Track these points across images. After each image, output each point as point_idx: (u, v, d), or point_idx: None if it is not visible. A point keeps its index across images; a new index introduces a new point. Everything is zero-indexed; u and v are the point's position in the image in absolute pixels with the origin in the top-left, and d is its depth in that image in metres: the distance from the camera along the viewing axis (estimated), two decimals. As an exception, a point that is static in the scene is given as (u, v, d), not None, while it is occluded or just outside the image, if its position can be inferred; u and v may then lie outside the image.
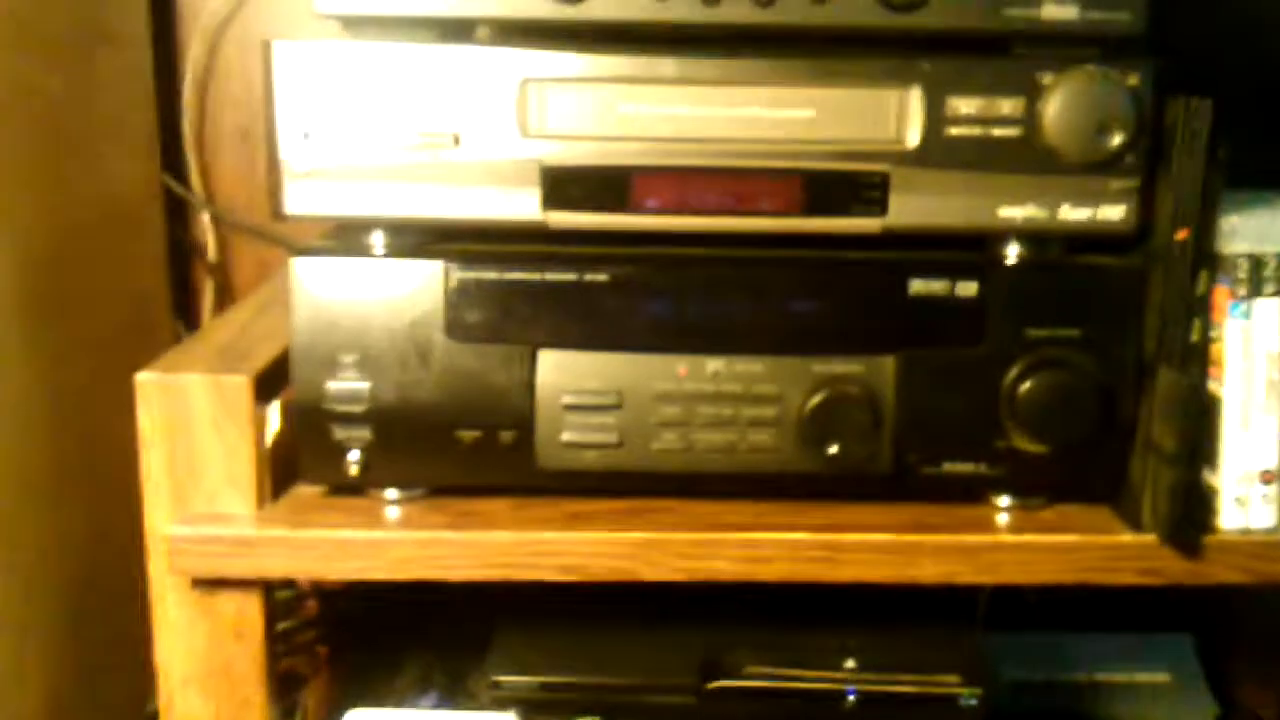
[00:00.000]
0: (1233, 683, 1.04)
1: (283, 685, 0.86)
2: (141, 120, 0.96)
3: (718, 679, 0.75)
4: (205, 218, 1.02)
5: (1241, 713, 1.01)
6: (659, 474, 0.68)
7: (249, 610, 0.68)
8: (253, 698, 0.69)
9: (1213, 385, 0.68)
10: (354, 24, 0.64)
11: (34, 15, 0.79)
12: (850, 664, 0.75)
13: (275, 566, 0.67)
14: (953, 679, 0.75)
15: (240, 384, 0.65)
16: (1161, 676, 1.03)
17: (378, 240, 0.66)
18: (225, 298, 1.04)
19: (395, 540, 0.66)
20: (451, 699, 0.91)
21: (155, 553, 0.67)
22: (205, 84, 1.01)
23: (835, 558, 0.67)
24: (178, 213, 1.02)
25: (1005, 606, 0.99)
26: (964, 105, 0.64)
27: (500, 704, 0.75)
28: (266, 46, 0.63)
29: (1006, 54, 0.65)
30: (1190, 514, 0.67)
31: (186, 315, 1.03)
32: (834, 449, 0.67)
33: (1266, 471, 0.69)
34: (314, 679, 0.94)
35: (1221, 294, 0.67)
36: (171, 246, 1.01)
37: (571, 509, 0.68)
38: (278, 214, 0.65)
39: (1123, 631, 1.06)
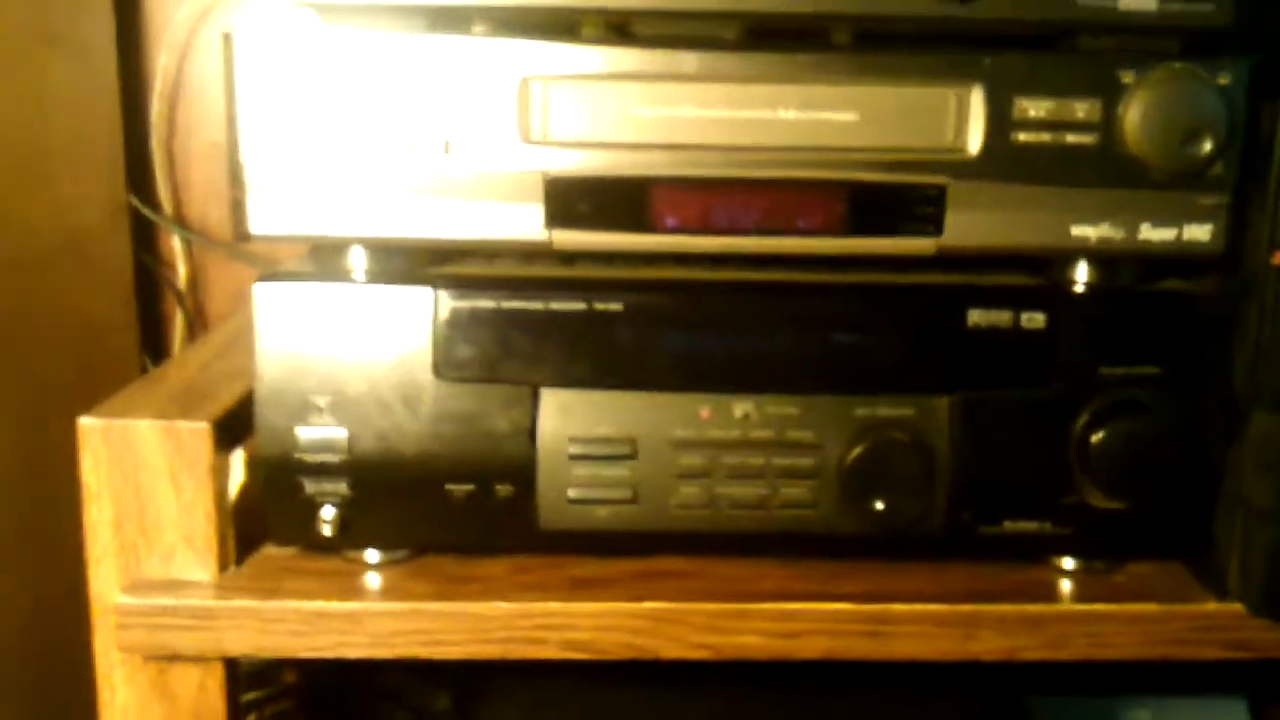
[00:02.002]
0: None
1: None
2: (104, 136, 0.91)
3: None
4: (175, 241, 0.97)
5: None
6: (678, 534, 0.61)
7: (210, 689, 0.62)
8: (215, 787, 0.62)
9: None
10: (332, 11, 0.57)
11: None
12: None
13: (239, 642, 0.60)
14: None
15: (199, 430, 0.59)
16: (1216, 744, 0.98)
17: (358, 263, 0.60)
18: (198, 330, 0.99)
19: (376, 612, 0.60)
20: (442, 775, 0.84)
21: (101, 625, 0.61)
22: (175, 97, 0.96)
23: (882, 631, 0.61)
24: (145, 236, 0.97)
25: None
26: (1033, 108, 0.57)
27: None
28: (227, 39, 0.56)
29: (1077, 50, 0.59)
30: (1287, 578, 0.61)
31: (156, 352, 0.98)
32: (880, 505, 0.60)
33: (1370, 528, 0.61)
34: (290, 755, 0.87)
35: (1323, 325, 0.60)
36: (139, 273, 0.96)
37: (578, 574, 0.63)
38: (242, 233, 0.59)
39: (1174, 694, 1.01)
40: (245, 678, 0.81)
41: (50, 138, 0.83)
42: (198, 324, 0.98)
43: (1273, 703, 1.00)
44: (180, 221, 0.97)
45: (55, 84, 0.83)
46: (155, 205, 0.96)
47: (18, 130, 0.79)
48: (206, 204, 0.97)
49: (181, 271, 0.97)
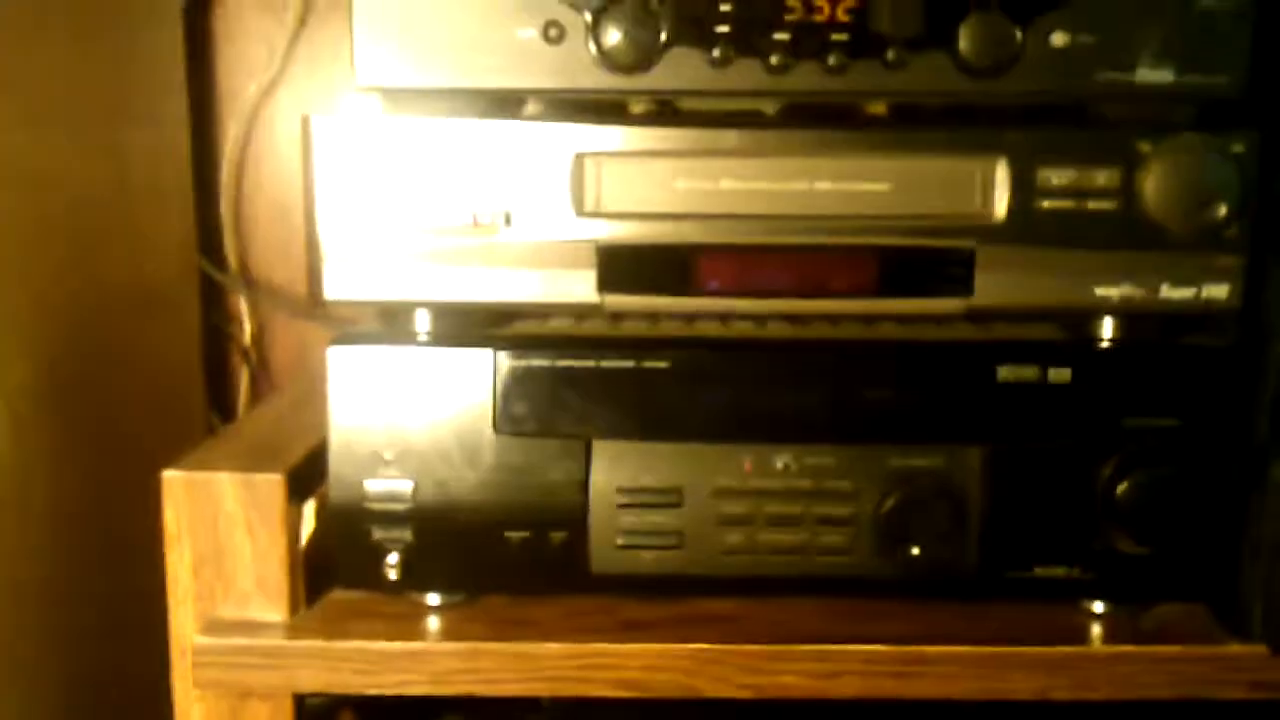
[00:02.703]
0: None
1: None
2: (178, 202, 0.94)
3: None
4: (242, 301, 1.00)
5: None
6: (722, 579, 0.63)
7: None
8: (284, 819, 0.64)
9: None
10: (397, 98, 0.60)
11: (63, 95, 0.77)
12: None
13: (309, 680, 0.62)
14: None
15: (274, 482, 0.62)
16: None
17: (422, 325, 0.63)
18: (263, 385, 1.01)
19: (438, 652, 0.62)
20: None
21: (180, 664, 0.63)
22: (243, 165, 0.99)
23: (915, 672, 0.62)
24: (213, 297, 1.00)
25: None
26: (1055, 176, 0.59)
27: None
28: (305, 122, 0.59)
29: (1098, 122, 0.61)
30: (1309, 622, 0.62)
31: (222, 404, 1.01)
32: (913, 551, 0.62)
33: (1389, 573, 0.63)
34: (350, 791, 0.89)
35: (1338, 378, 0.62)
36: (207, 333, 0.98)
37: (627, 616, 0.64)
38: (318, 299, 0.61)
39: None
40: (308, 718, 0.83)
41: (129, 203, 0.86)
42: (261, 380, 1.01)
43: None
44: (247, 281, 1.00)
45: (134, 154, 0.86)
46: (223, 266, 0.99)
47: (99, 195, 0.82)
48: (272, 264, 1.00)
49: (247, 329, 1.00)
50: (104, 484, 0.81)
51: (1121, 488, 0.61)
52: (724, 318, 0.67)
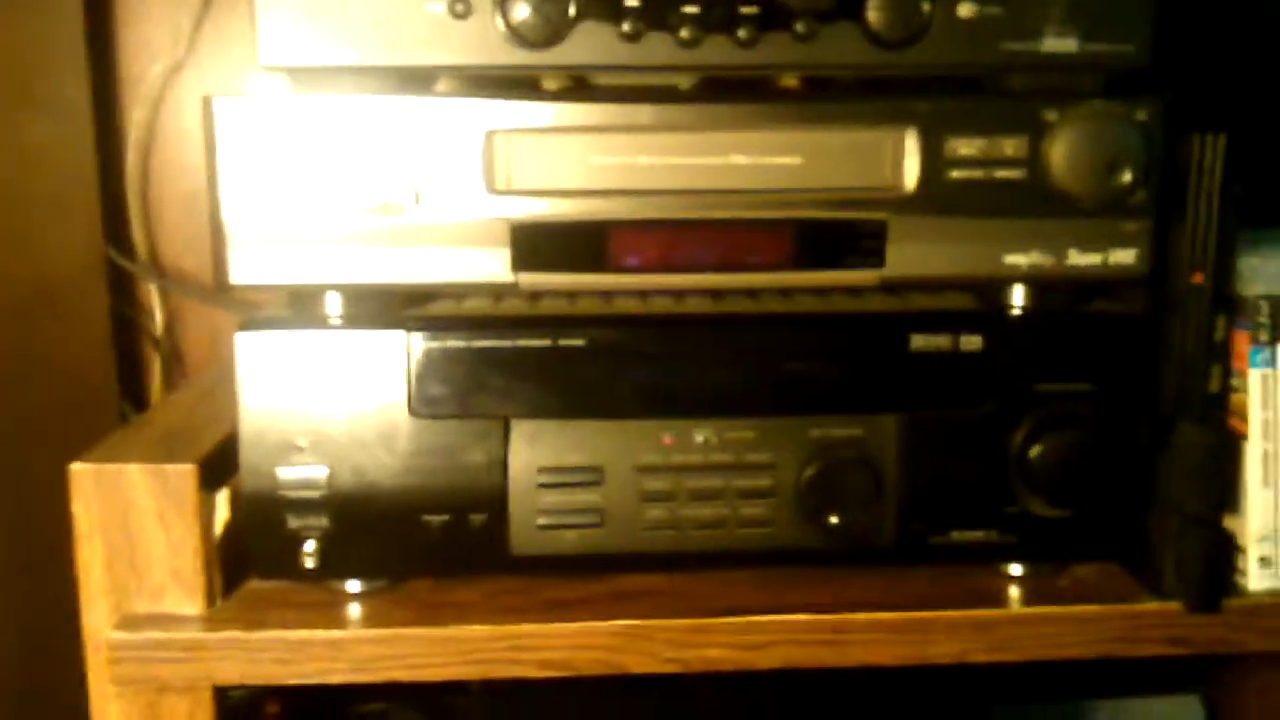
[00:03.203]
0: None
1: (242, 791, 0.80)
2: (82, 190, 0.92)
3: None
4: (152, 289, 0.98)
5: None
6: (645, 555, 0.63)
7: (200, 718, 0.63)
8: (206, 814, 0.63)
9: (1236, 438, 0.65)
10: (304, 77, 0.59)
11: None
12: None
13: (228, 672, 0.62)
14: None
15: (185, 472, 0.61)
16: (1175, 744, 1.00)
17: (333, 309, 0.62)
18: (175, 374, 0.99)
19: (358, 639, 0.62)
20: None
21: (94, 659, 0.62)
22: (149, 150, 0.97)
23: (840, 640, 0.63)
24: (122, 286, 0.98)
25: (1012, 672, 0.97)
26: (964, 146, 0.60)
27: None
28: (207, 103, 0.58)
29: (1006, 92, 0.62)
30: (1218, 577, 0.63)
31: (135, 395, 0.99)
32: (834, 520, 0.63)
33: (1294, 528, 0.65)
34: (277, 783, 0.88)
35: (1241, 339, 0.64)
36: (117, 322, 0.96)
37: (551, 595, 0.64)
38: (224, 284, 0.60)
39: (1130, 695, 1.03)
40: (230, 712, 0.82)
41: (29, 191, 0.83)
42: (174, 368, 0.99)
43: (1225, 697, 1.03)
44: (156, 269, 0.98)
45: (33, 140, 0.84)
46: (131, 254, 0.96)
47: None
48: (182, 252, 0.98)
49: (158, 318, 0.98)
50: (16, 479, 0.79)
51: (1035, 452, 0.62)
52: (642, 294, 0.67)
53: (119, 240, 0.96)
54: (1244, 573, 0.65)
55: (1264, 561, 0.65)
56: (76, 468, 0.61)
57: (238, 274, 0.60)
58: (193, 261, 0.98)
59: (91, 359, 0.93)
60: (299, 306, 0.63)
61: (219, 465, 0.63)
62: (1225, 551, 0.65)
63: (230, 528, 0.64)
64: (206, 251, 0.96)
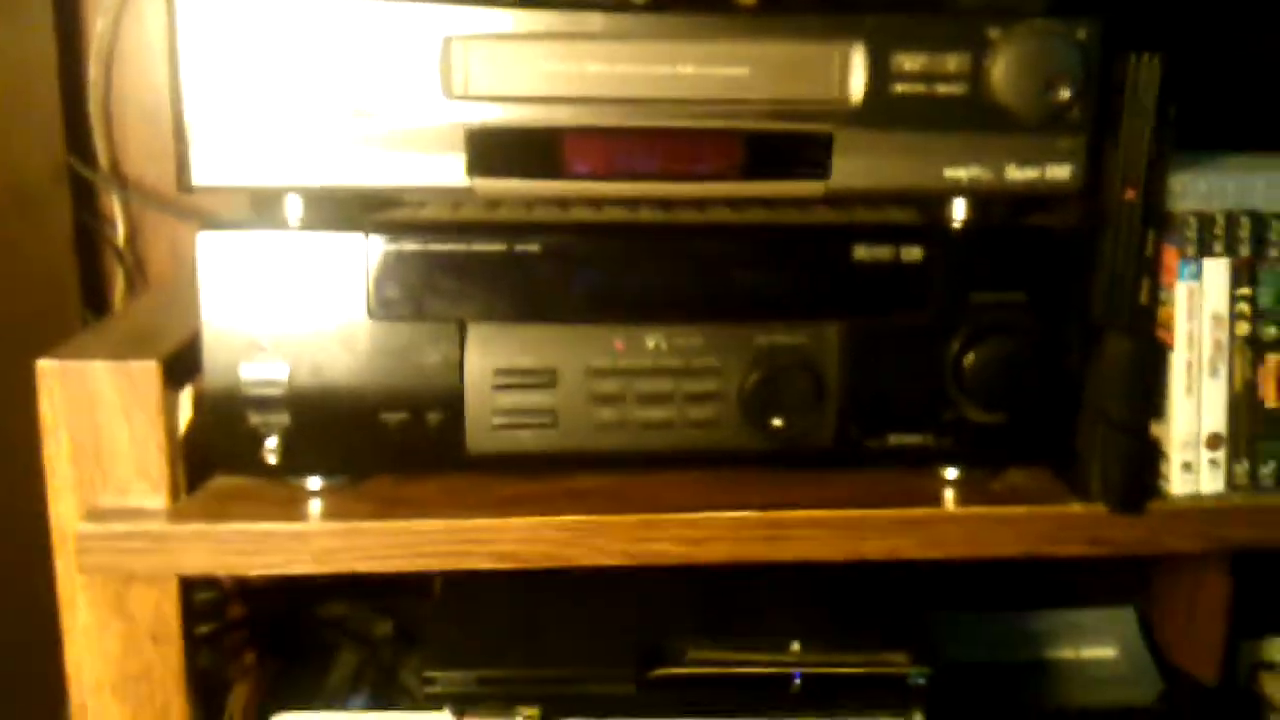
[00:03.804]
0: (1171, 650, 1.03)
1: (207, 690, 0.82)
2: (43, 98, 0.92)
3: (659, 666, 0.73)
4: (115, 200, 0.98)
5: (1185, 683, 1.01)
6: (596, 453, 0.65)
7: (166, 610, 0.65)
8: (172, 703, 0.65)
9: (1162, 348, 0.67)
10: None
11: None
12: (795, 646, 0.74)
13: (192, 562, 0.63)
14: (900, 658, 0.74)
15: (149, 369, 0.62)
16: (1108, 652, 1.04)
17: (294, 212, 0.63)
18: (138, 283, 1.00)
19: (319, 531, 0.63)
20: (385, 696, 0.88)
21: (62, 551, 0.63)
22: (111, 59, 0.97)
23: (780, 536, 0.65)
24: (85, 195, 0.98)
25: (950, 585, 1.00)
26: (909, 61, 0.62)
27: (434, 700, 0.72)
28: (170, 2, 0.58)
29: (951, 8, 0.63)
30: (1141, 482, 0.66)
31: (97, 305, 0.99)
32: (777, 423, 0.65)
33: (1214, 435, 0.67)
34: (240, 683, 0.91)
35: (1170, 255, 0.66)
36: (79, 231, 0.96)
37: (505, 493, 0.66)
38: (185, 185, 0.61)
39: (1067, 607, 1.06)
40: (196, 616, 0.83)
41: None
42: (137, 279, 0.99)
43: (1157, 606, 1.06)
44: (118, 180, 0.98)
45: None
46: (94, 165, 0.96)
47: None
48: (144, 163, 0.98)
49: (120, 229, 0.98)
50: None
51: (970, 359, 0.64)
52: (597, 204, 0.68)
53: (82, 151, 0.96)
54: (1167, 478, 0.68)
55: (1187, 467, 0.68)
56: (43, 364, 0.62)
57: (199, 175, 0.60)
58: (155, 174, 0.98)
59: (55, 267, 0.93)
60: (260, 211, 0.64)
61: (182, 365, 0.64)
62: (1148, 456, 0.67)
63: (194, 427, 0.65)
64: (169, 164, 0.96)
